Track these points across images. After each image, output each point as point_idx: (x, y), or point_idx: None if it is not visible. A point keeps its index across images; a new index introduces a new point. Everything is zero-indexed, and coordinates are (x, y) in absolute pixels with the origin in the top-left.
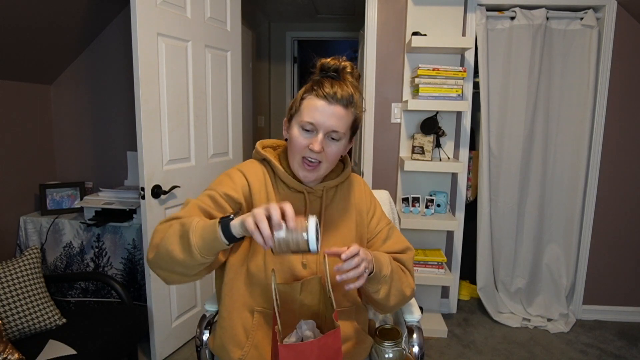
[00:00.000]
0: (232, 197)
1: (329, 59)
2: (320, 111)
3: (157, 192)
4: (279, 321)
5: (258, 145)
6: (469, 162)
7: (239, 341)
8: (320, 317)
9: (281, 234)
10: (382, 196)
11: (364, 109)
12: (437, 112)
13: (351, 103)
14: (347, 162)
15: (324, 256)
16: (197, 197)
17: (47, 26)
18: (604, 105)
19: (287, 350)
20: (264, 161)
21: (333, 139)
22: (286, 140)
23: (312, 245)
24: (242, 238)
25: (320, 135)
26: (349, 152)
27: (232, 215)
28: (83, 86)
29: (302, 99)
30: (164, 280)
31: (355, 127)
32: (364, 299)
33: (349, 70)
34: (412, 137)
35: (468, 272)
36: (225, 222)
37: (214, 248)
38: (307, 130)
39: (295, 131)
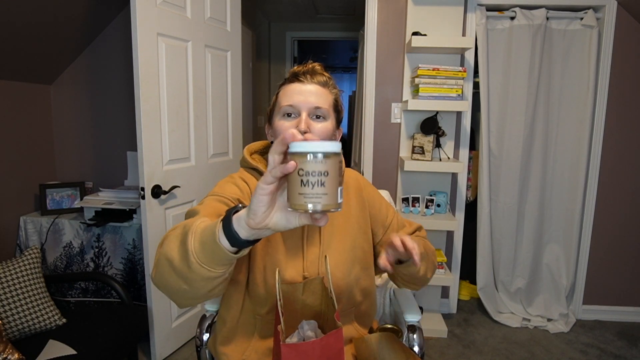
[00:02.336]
0: (242, 203)
1: (297, 67)
2: (297, 92)
3: (157, 192)
4: (282, 320)
5: (245, 152)
6: (469, 162)
7: (239, 344)
8: (322, 317)
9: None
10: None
11: (361, 111)
12: (437, 112)
13: (327, 84)
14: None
15: (325, 256)
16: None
17: (47, 26)
18: (604, 105)
19: (289, 349)
20: (254, 170)
21: (318, 117)
22: (272, 143)
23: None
24: (253, 242)
25: (304, 115)
26: (347, 152)
27: (239, 205)
28: (83, 86)
29: (277, 93)
30: (174, 302)
31: (338, 109)
32: (399, 280)
33: (318, 67)
34: (412, 137)
35: (468, 272)
36: (227, 219)
37: (217, 257)
38: (290, 115)
39: (278, 121)
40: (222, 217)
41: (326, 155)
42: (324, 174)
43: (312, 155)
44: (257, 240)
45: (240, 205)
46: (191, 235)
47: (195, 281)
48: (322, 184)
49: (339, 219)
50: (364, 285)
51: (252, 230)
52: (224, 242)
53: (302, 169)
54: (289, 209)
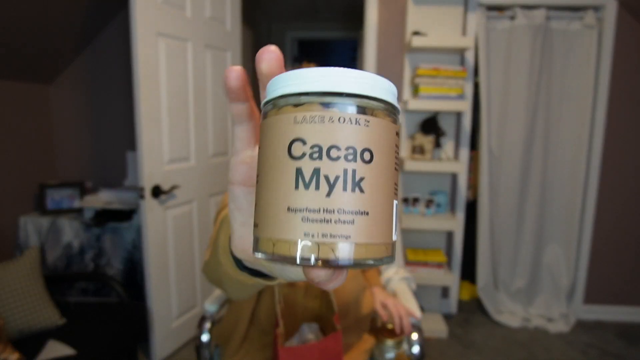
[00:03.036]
0: None
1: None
2: None
3: (157, 192)
4: (280, 324)
5: None
6: (469, 162)
7: (239, 345)
8: (323, 320)
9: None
10: None
11: None
12: (437, 112)
13: None
14: None
15: None
16: None
17: (47, 26)
18: (604, 105)
19: (288, 353)
20: None
21: None
22: None
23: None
24: (263, 275)
25: None
26: None
27: None
28: (83, 86)
29: None
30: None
31: None
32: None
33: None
34: (412, 137)
35: (468, 272)
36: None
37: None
38: None
39: None
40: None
41: (368, 107)
42: (361, 155)
43: (330, 101)
44: (266, 276)
45: None
46: (225, 224)
47: (225, 283)
48: (357, 185)
49: None
50: (367, 301)
51: (244, 260)
52: (230, 256)
53: (301, 138)
54: (256, 254)
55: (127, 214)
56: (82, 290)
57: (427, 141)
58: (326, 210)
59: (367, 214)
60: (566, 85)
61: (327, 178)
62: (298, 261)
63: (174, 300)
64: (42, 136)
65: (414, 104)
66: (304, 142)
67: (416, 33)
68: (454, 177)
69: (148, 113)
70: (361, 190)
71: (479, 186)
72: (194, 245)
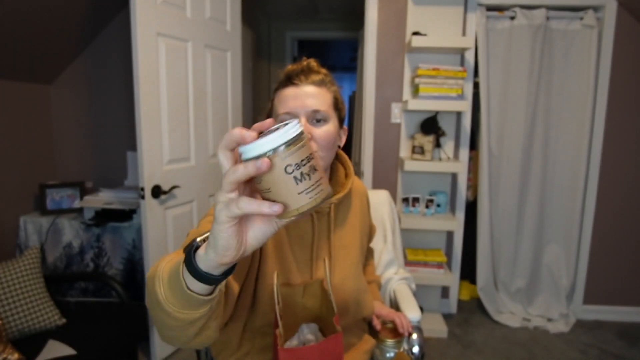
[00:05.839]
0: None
1: (291, 66)
2: (292, 97)
3: (157, 192)
4: (280, 324)
5: None
6: (469, 162)
7: (238, 346)
8: (323, 321)
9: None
10: (382, 196)
11: (362, 111)
12: (437, 112)
13: (324, 82)
14: (348, 170)
15: (324, 260)
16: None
17: (46, 26)
18: (604, 105)
19: (288, 354)
20: None
21: (318, 120)
22: None
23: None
24: (232, 270)
25: (302, 121)
26: (347, 152)
27: (197, 239)
28: (83, 86)
29: (272, 99)
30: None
31: (338, 108)
32: None
33: (313, 64)
34: (412, 137)
35: (468, 272)
36: (188, 256)
37: (195, 301)
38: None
39: None
40: (183, 260)
41: (301, 136)
42: (309, 158)
43: (290, 142)
44: (234, 266)
45: (197, 240)
46: (158, 281)
47: (182, 326)
48: (315, 169)
49: (347, 231)
50: (368, 301)
51: (229, 266)
52: (197, 288)
53: (290, 164)
54: (290, 217)
55: (127, 214)
56: (82, 290)
57: (427, 141)
58: (312, 185)
59: (322, 176)
60: (566, 85)
61: (306, 174)
62: (314, 206)
63: None
64: (42, 136)
65: (414, 104)
66: (290, 165)
67: (416, 33)
68: (454, 177)
69: (148, 113)
70: (317, 170)
71: (479, 186)
72: None
